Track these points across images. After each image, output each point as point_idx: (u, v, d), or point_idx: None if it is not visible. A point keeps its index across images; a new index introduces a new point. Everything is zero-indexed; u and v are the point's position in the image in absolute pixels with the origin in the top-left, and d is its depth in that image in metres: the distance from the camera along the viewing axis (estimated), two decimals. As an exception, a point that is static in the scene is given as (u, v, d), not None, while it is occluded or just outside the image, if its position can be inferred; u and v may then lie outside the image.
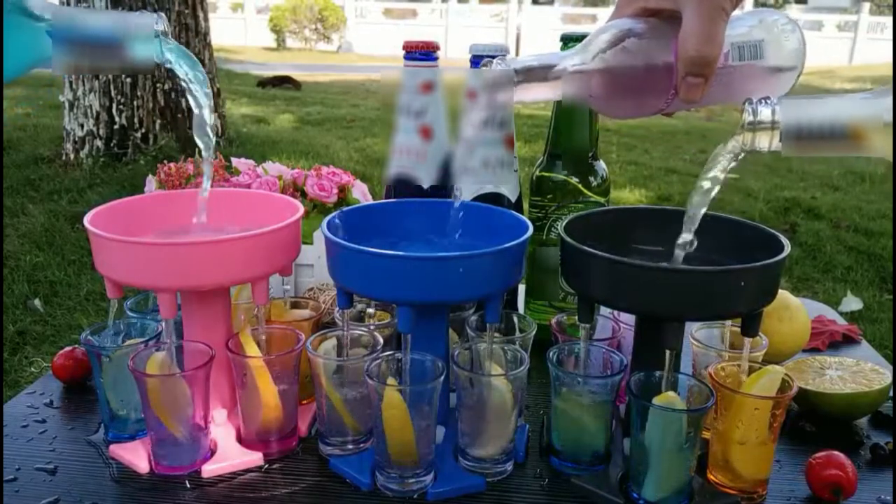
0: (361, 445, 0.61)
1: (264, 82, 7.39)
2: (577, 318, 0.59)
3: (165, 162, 0.98)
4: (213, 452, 0.60)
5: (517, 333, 0.66)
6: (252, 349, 0.60)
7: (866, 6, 13.97)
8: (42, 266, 2.56)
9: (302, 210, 0.64)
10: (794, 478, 0.60)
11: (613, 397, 0.58)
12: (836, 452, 0.58)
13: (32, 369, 1.93)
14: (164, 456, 0.59)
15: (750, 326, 0.56)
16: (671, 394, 0.54)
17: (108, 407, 0.63)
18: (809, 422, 0.67)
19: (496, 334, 0.63)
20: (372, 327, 0.65)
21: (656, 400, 0.53)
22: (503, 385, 0.57)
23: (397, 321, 0.56)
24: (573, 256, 0.57)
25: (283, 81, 7.47)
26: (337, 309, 0.64)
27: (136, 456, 0.59)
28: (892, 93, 0.46)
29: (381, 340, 0.61)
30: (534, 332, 0.65)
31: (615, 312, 0.69)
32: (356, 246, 0.54)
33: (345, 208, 0.65)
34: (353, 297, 0.59)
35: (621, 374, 0.58)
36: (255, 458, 0.60)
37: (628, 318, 0.67)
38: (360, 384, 0.56)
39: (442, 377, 0.55)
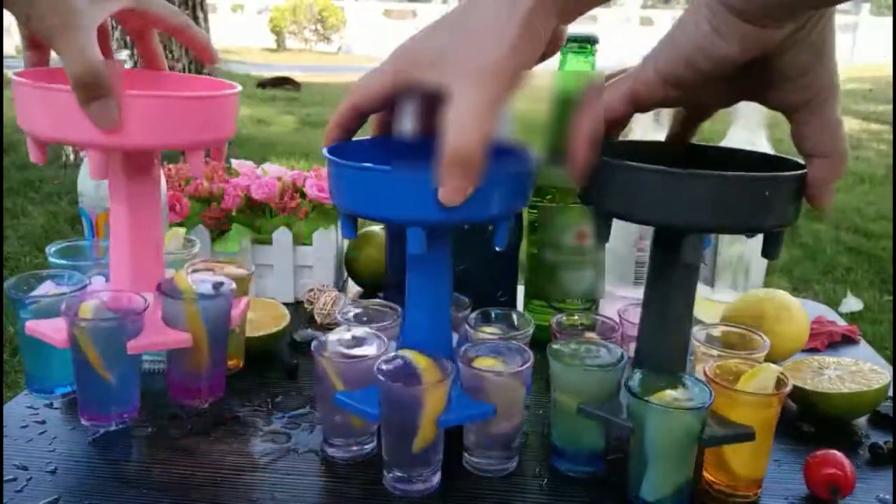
0: (365, 448, 0.61)
1: (264, 83, 7.40)
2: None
3: (165, 163, 0.98)
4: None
5: (517, 331, 0.66)
6: (188, 289, 0.61)
7: (866, 6, 13.97)
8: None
9: (238, 88, 0.63)
10: (792, 477, 0.60)
11: (614, 392, 0.58)
12: (833, 451, 0.58)
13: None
14: (95, 405, 0.59)
15: (771, 246, 0.53)
16: (669, 392, 0.54)
17: (33, 361, 0.64)
18: (808, 422, 0.67)
19: (496, 330, 0.63)
20: (376, 326, 0.65)
21: (654, 398, 0.53)
22: (508, 382, 0.57)
23: (407, 245, 0.53)
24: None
25: (282, 82, 7.47)
26: (338, 313, 0.65)
27: (54, 331, 0.60)
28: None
29: (387, 340, 0.61)
30: (532, 329, 0.65)
31: (622, 312, 0.68)
32: (368, 165, 0.51)
33: (341, 143, 0.59)
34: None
35: (622, 366, 0.58)
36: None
37: (634, 316, 0.67)
38: (365, 383, 0.56)
39: (451, 376, 0.54)
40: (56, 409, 0.68)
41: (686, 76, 0.46)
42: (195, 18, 3.91)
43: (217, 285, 0.64)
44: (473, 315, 0.65)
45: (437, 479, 0.57)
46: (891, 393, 0.68)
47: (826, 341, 0.85)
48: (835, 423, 0.68)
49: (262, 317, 0.78)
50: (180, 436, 0.63)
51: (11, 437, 0.63)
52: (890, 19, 13.95)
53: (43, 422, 0.66)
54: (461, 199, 0.46)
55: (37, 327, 0.61)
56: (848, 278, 2.81)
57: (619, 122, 0.53)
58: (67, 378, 0.66)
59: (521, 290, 0.83)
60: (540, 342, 0.82)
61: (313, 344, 0.59)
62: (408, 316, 0.60)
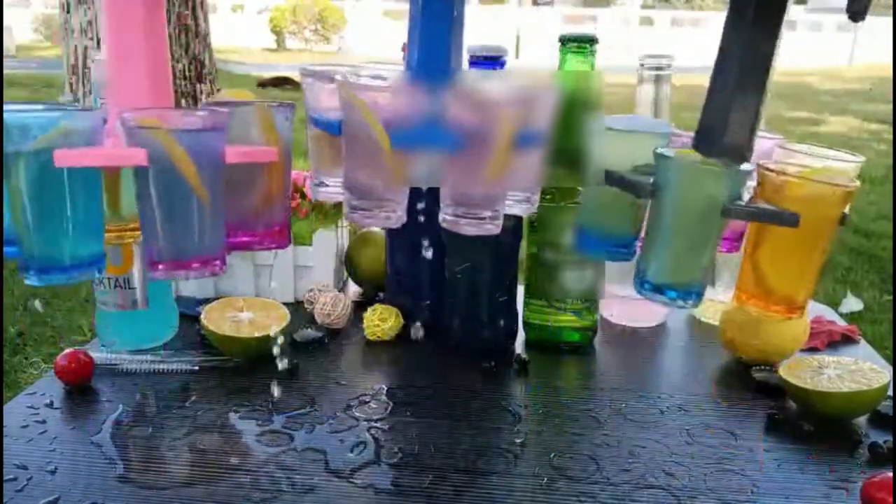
0: (393, 215, 0.52)
1: (264, 83, 7.40)
2: None
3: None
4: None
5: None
6: (253, 97, 0.51)
7: (866, 7, 13.94)
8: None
9: None
10: (792, 477, 0.60)
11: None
12: (888, 474, 0.55)
13: (32, 370, 1.93)
14: (182, 243, 0.46)
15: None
16: (696, 155, 0.47)
17: (43, 227, 0.46)
18: (808, 421, 0.67)
19: None
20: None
21: (679, 153, 0.47)
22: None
23: None
24: None
25: (282, 82, 7.47)
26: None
27: (111, 150, 0.46)
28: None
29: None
30: None
31: None
32: None
33: None
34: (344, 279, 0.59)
35: (663, 136, 0.52)
36: None
37: None
38: (409, 121, 0.48)
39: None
40: (56, 409, 0.68)
41: None
42: (195, 19, 3.91)
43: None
44: None
45: (496, 224, 0.50)
46: (890, 392, 0.68)
47: (826, 340, 0.85)
48: (835, 423, 0.68)
49: (262, 317, 0.78)
50: (181, 435, 0.63)
51: (11, 436, 0.63)
52: (890, 19, 13.96)
53: (43, 422, 0.66)
54: None
55: (82, 153, 0.44)
56: (848, 278, 2.81)
57: None
58: (84, 251, 0.48)
59: (521, 290, 0.83)
60: (540, 342, 0.82)
61: (342, 79, 0.49)
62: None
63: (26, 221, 0.46)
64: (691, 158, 0.47)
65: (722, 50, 0.49)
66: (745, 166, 0.46)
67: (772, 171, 0.47)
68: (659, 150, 0.49)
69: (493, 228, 0.50)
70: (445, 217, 0.51)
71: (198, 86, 3.99)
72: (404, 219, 0.53)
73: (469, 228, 0.50)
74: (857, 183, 0.47)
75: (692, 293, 0.49)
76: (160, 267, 0.47)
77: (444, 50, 0.51)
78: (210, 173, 0.46)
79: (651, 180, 0.49)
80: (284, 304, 0.82)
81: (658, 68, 0.80)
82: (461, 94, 0.49)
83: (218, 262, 0.48)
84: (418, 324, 0.77)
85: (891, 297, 2.63)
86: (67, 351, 0.72)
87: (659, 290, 0.49)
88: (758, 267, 0.50)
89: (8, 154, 0.45)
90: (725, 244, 0.58)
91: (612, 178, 0.51)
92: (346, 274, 0.97)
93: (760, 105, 0.47)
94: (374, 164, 0.49)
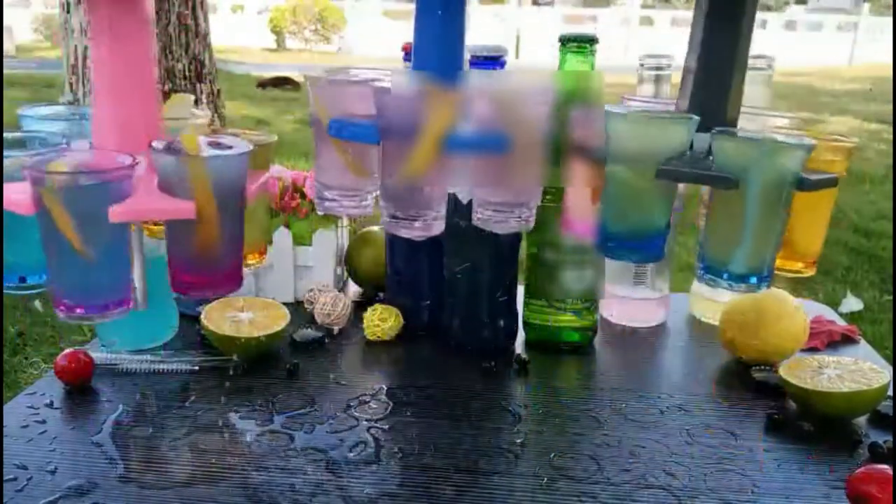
0: (364, 202, 0.55)
1: (264, 83, 7.40)
2: None
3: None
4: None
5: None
6: (193, 146, 0.50)
7: (866, 6, 13.98)
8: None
9: None
10: (792, 477, 0.60)
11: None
12: (879, 467, 0.55)
13: (32, 370, 1.93)
14: (69, 291, 0.49)
15: None
16: (767, 135, 0.49)
17: None
18: (808, 421, 0.67)
19: None
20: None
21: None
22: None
23: None
24: None
25: (282, 82, 7.48)
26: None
27: (16, 195, 0.48)
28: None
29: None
30: None
31: None
32: None
33: None
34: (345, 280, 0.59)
35: (693, 122, 0.51)
36: None
37: None
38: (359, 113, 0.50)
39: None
40: (56, 409, 0.68)
41: None
42: (195, 19, 3.91)
43: (229, 147, 0.52)
44: None
45: (436, 228, 0.50)
46: (890, 392, 0.68)
47: (826, 340, 0.85)
48: (835, 423, 0.68)
49: (262, 317, 0.78)
50: (181, 435, 0.63)
51: (11, 436, 0.63)
52: (890, 19, 13.96)
53: (43, 422, 0.66)
54: None
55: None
56: (848, 278, 2.81)
57: None
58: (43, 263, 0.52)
59: (521, 290, 0.83)
60: (540, 343, 0.82)
61: (310, 77, 0.52)
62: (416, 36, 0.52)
63: None
64: (773, 139, 0.48)
65: (708, 37, 0.51)
66: (810, 140, 0.48)
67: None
68: (740, 136, 0.49)
69: (437, 228, 0.50)
70: (384, 219, 0.51)
71: (198, 86, 3.99)
72: (370, 210, 0.54)
73: (405, 231, 0.50)
74: (857, 140, 0.51)
75: (771, 272, 0.51)
76: (58, 306, 0.50)
77: (433, 50, 0.52)
78: (96, 227, 0.47)
79: (712, 168, 0.49)
80: (284, 303, 0.82)
81: (658, 68, 0.80)
82: (404, 89, 0.49)
83: (116, 305, 0.50)
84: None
85: (891, 297, 2.63)
86: (67, 351, 0.72)
87: (745, 278, 0.50)
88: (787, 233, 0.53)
89: None
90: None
91: (674, 173, 0.50)
92: (346, 274, 0.97)
93: (742, 82, 0.51)
94: (329, 153, 0.51)
